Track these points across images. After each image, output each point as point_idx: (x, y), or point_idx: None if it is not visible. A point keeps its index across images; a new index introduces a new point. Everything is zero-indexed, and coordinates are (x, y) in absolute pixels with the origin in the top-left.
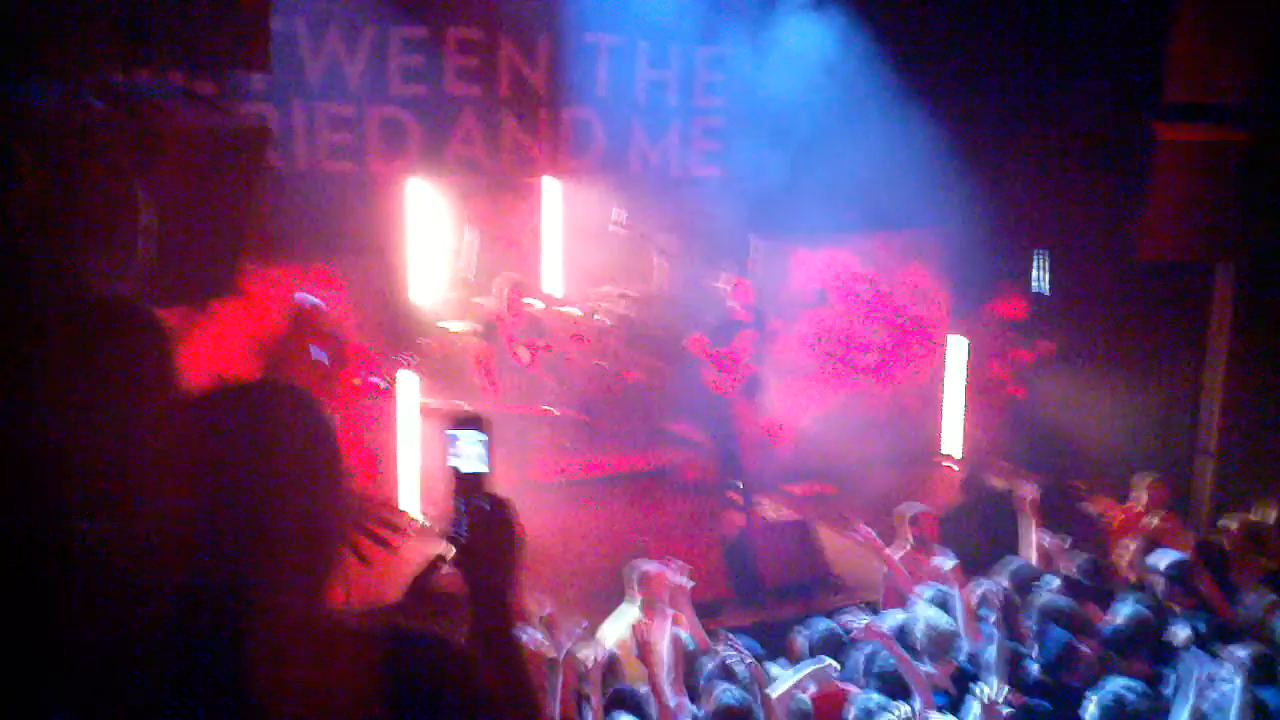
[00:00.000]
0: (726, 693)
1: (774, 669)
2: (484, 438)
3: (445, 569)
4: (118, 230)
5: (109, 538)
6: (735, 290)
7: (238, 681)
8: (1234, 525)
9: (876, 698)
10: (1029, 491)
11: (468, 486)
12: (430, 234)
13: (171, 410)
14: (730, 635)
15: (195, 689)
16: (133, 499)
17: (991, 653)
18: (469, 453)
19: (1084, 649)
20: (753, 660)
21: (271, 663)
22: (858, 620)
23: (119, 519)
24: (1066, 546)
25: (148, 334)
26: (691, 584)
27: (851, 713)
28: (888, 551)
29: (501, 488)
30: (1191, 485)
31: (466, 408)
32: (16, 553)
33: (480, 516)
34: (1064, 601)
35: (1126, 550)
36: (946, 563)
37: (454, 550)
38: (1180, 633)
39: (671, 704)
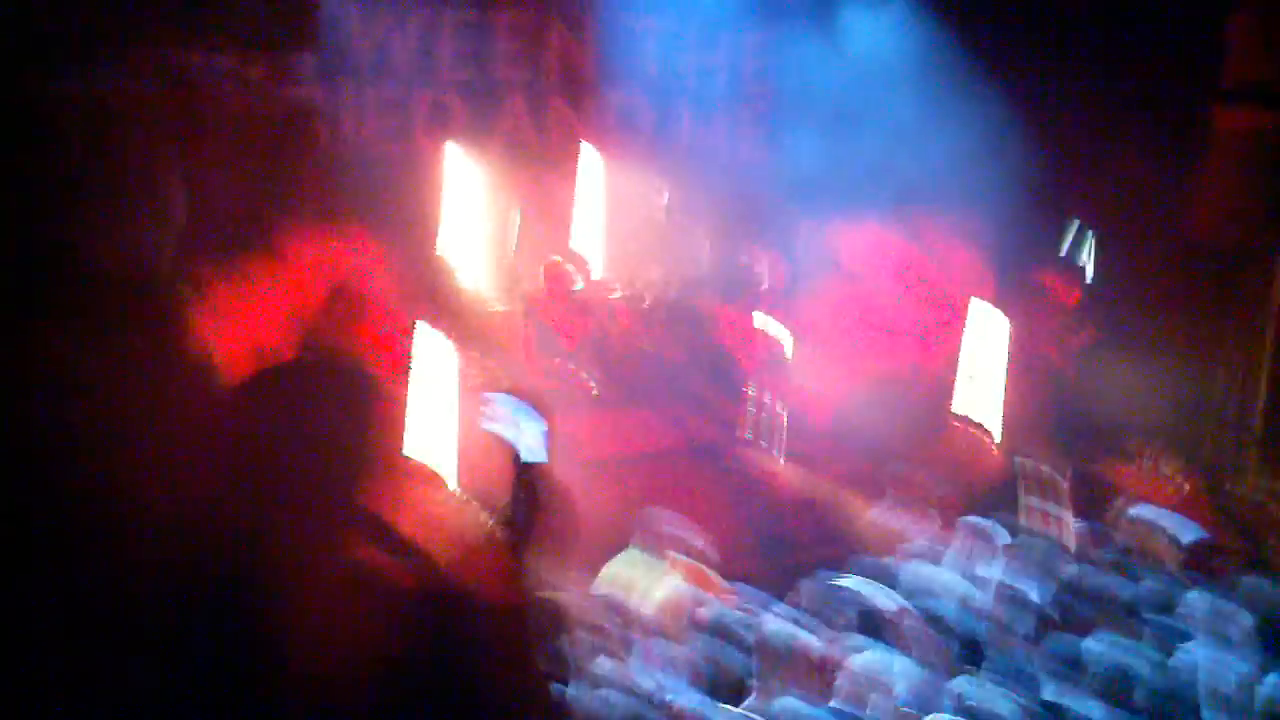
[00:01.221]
0: (725, 652)
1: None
2: (545, 427)
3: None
4: (149, 212)
5: (148, 503)
6: (767, 265)
7: (264, 628)
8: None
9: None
10: (1060, 478)
11: (526, 473)
12: (474, 212)
13: (210, 385)
14: (730, 585)
15: (223, 638)
16: (172, 469)
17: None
18: (529, 441)
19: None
20: (749, 605)
21: (297, 608)
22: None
23: (157, 488)
24: (1083, 529)
25: (159, 310)
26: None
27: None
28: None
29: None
30: (1237, 470)
31: (502, 378)
32: (51, 510)
33: (537, 503)
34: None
35: (1132, 517)
36: (999, 535)
37: (509, 533)
38: (1188, 602)
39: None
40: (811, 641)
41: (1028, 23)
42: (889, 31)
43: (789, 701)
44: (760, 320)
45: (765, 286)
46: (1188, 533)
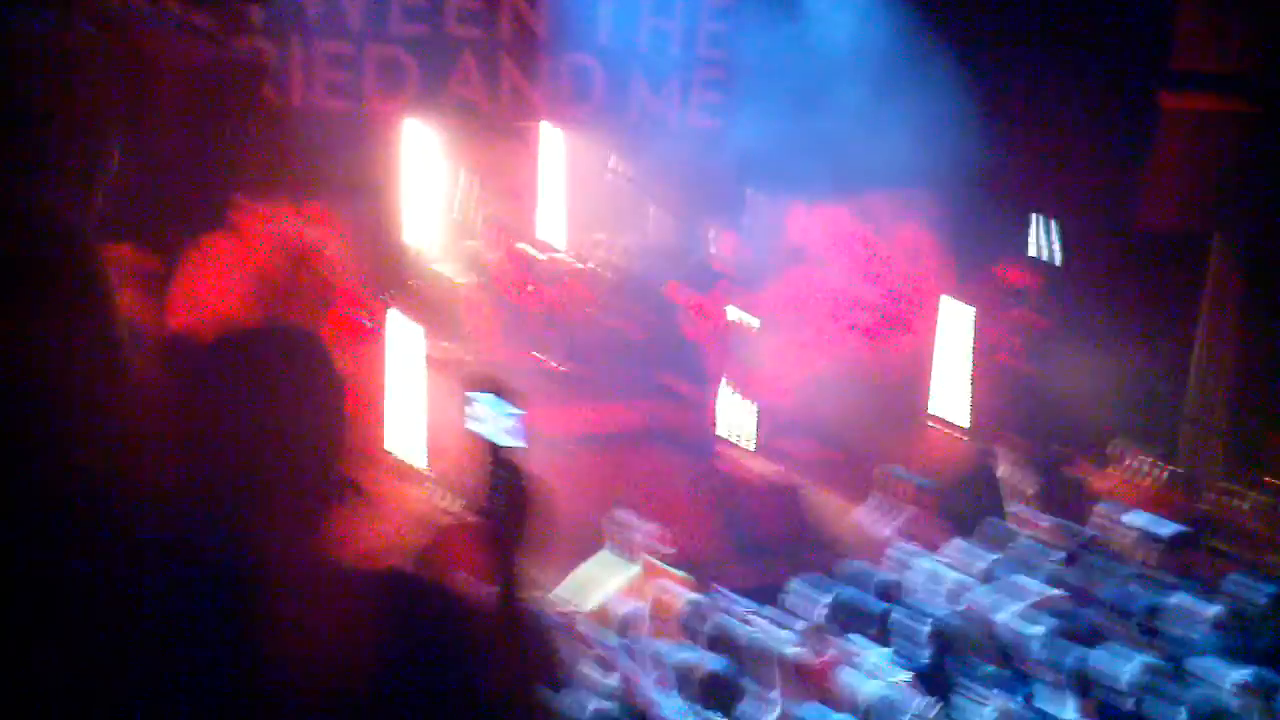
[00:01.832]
0: (712, 660)
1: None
2: (520, 412)
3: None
4: (86, 162)
5: (106, 477)
6: (720, 241)
7: (239, 624)
8: (1217, 497)
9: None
10: (1003, 462)
11: (498, 459)
12: (426, 176)
13: (166, 350)
14: (725, 591)
15: (195, 631)
16: (123, 436)
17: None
18: (502, 425)
19: None
20: (746, 614)
21: (272, 605)
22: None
23: (114, 458)
24: (1027, 514)
25: (58, 246)
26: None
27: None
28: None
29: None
30: (1176, 454)
31: (469, 358)
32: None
33: (505, 489)
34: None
35: (1100, 514)
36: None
37: (477, 518)
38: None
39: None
40: (804, 648)
41: (982, 8)
42: (846, 9)
43: (811, 710)
44: (722, 302)
45: (727, 267)
46: (1164, 528)
